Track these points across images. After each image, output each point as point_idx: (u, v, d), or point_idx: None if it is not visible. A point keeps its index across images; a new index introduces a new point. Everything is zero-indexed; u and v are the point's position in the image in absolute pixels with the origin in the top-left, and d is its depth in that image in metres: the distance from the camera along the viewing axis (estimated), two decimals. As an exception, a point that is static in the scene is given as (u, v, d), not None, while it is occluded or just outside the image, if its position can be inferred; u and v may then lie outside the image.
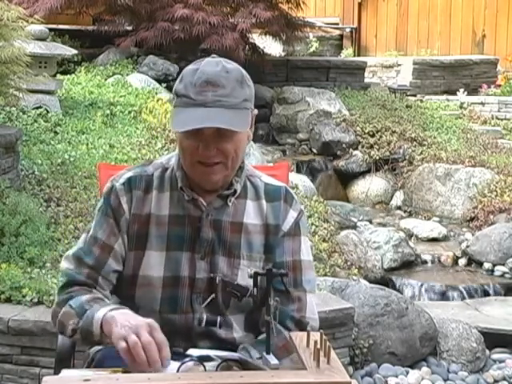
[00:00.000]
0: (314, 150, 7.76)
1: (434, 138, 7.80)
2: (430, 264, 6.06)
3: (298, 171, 7.16)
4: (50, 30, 6.93)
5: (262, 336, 1.86)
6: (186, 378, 1.59)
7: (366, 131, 7.62)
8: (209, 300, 1.96)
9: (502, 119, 8.89)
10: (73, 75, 7.47)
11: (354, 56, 11.48)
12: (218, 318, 1.96)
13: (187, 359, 1.71)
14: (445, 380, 4.28)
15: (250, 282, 1.83)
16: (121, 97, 6.93)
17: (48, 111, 6.28)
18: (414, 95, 9.45)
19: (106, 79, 7.40)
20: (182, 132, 1.91)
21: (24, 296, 3.86)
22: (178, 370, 1.66)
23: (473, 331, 4.49)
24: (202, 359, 1.72)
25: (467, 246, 6.09)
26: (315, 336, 1.68)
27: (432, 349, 4.46)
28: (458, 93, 9.40)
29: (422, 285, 5.55)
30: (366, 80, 9.60)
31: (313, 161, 7.55)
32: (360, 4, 11.91)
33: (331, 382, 1.58)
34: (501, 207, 6.48)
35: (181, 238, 1.99)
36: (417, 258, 6.06)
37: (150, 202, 2.01)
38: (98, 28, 8.03)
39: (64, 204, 5.07)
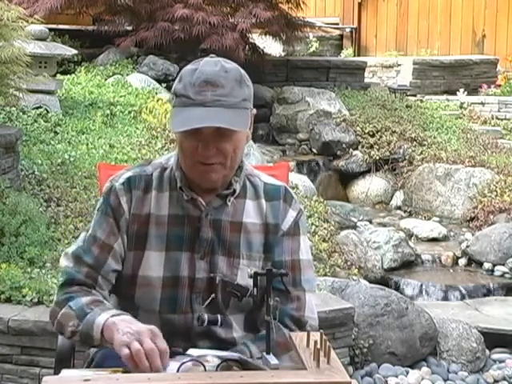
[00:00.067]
0: (314, 150, 7.76)
1: (434, 138, 7.80)
2: (430, 264, 6.06)
3: (298, 171, 7.16)
4: (50, 29, 6.92)
5: (262, 333, 1.85)
6: (185, 378, 1.59)
7: (366, 131, 7.62)
8: (209, 300, 1.96)
9: (502, 119, 8.89)
10: (73, 75, 7.47)
11: (354, 56, 11.48)
12: (219, 317, 1.96)
13: (187, 359, 1.71)
14: (445, 380, 4.28)
15: (250, 281, 1.83)
16: (121, 97, 6.93)
17: (48, 111, 6.28)
18: (414, 95, 9.45)
19: (106, 79, 7.40)
20: (182, 132, 1.91)
21: (24, 296, 3.86)
22: (178, 370, 1.66)
23: (473, 331, 4.50)
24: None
25: (467, 246, 6.09)
26: (315, 336, 1.68)
27: (432, 349, 4.46)
28: (457, 93, 9.40)
29: (421, 285, 5.55)
30: (366, 80, 9.60)
31: (313, 161, 7.55)
32: (360, 4, 11.91)
33: (331, 382, 1.57)
34: (501, 207, 6.48)
35: (180, 238, 1.99)
36: (417, 258, 6.06)
37: (149, 202, 2.01)
38: (98, 28, 8.03)
39: (64, 204, 5.07)
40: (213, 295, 1.96)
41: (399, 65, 10.39)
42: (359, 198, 7.46)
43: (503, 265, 5.86)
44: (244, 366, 1.69)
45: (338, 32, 12.04)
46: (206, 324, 1.94)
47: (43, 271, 4.18)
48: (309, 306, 2.04)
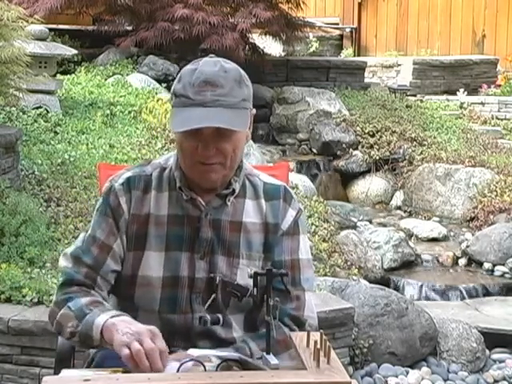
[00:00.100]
0: (314, 150, 7.76)
1: (434, 138, 7.81)
2: (430, 264, 6.06)
3: (298, 171, 7.16)
4: (50, 29, 6.93)
5: (262, 330, 1.86)
6: (185, 378, 1.59)
7: (366, 131, 7.62)
8: (210, 301, 1.96)
9: (502, 119, 8.89)
10: (73, 75, 7.48)
11: (354, 56, 11.48)
12: (220, 316, 1.96)
13: (187, 359, 1.71)
14: (445, 380, 4.28)
15: (250, 281, 1.82)
16: (121, 97, 6.93)
17: (48, 111, 6.28)
18: (414, 95, 9.45)
19: (106, 79, 7.40)
20: (181, 132, 1.91)
21: (24, 296, 3.86)
22: (178, 370, 1.66)
23: (473, 331, 4.50)
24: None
25: (467, 246, 6.09)
26: (315, 336, 1.68)
27: (432, 349, 4.47)
28: (457, 93, 9.41)
29: (421, 285, 5.55)
30: (366, 80, 9.60)
31: (313, 161, 7.55)
32: (360, 4, 11.91)
33: (331, 382, 1.57)
34: (501, 207, 6.48)
35: (180, 238, 1.99)
36: (417, 258, 6.06)
37: (148, 202, 2.01)
38: (98, 28, 8.03)
39: (64, 204, 5.07)
40: (214, 296, 1.96)
41: (399, 65, 10.39)
42: (359, 198, 7.46)
43: (503, 265, 5.87)
44: (244, 366, 1.69)
45: (338, 32, 12.04)
46: (209, 325, 1.94)
47: (43, 271, 4.18)
48: (308, 305, 2.04)
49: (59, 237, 4.66)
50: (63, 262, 2.02)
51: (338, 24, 12.07)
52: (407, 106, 8.61)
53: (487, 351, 4.54)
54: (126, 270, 2.00)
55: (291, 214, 2.06)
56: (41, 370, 3.70)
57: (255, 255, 2.01)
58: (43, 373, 3.60)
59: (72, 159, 5.66)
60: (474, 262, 6.04)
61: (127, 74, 7.55)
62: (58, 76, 6.99)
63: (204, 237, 1.98)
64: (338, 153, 7.58)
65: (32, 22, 5.30)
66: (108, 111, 6.59)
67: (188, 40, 7.50)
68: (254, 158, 6.37)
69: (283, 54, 9.89)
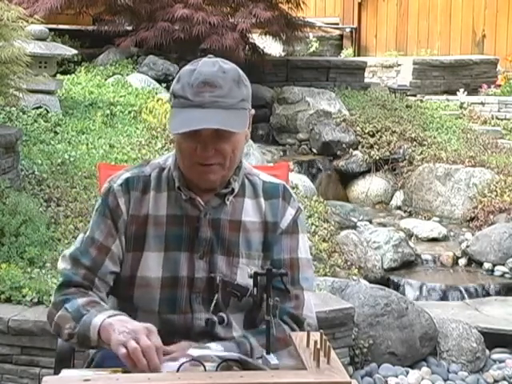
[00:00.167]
0: (314, 150, 7.76)
1: (434, 138, 7.81)
2: (430, 264, 6.06)
3: (298, 171, 7.16)
4: (50, 30, 6.93)
5: (262, 327, 1.85)
6: (185, 378, 1.59)
7: (366, 131, 7.62)
8: (214, 303, 1.96)
9: (502, 119, 8.89)
10: (73, 75, 7.48)
11: (354, 56, 11.48)
12: (225, 316, 1.96)
13: (187, 359, 1.71)
14: (445, 380, 4.28)
15: (250, 281, 1.82)
16: (121, 97, 6.93)
17: (48, 111, 6.28)
18: (414, 95, 9.45)
19: (106, 79, 7.40)
20: (180, 133, 1.91)
21: (24, 296, 3.86)
22: (177, 370, 1.67)
23: (473, 331, 4.50)
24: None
25: (467, 246, 6.09)
26: (315, 336, 1.68)
27: (432, 349, 4.46)
28: (458, 93, 9.41)
29: (421, 285, 5.55)
30: (366, 80, 9.60)
31: (313, 161, 7.55)
32: (360, 4, 11.91)
33: (331, 382, 1.58)
34: (501, 207, 6.48)
35: (179, 238, 1.99)
36: (417, 258, 6.06)
37: (147, 203, 2.00)
38: (98, 28, 8.03)
39: (64, 204, 5.07)
40: (216, 297, 1.96)
41: (399, 65, 10.39)
42: (359, 197, 7.46)
43: (503, 265, 5.87)
44: (244, 366, 1.69)
45: (338, 32, 12.04)
46: (217, 326, 1.95)
47: (43, 271, 4.18)
48: (307, 304, 2.04)
49: (59, 237, 4.66)
50: (62, 264, 2.02)
51: (338, 24, 12.07)
52: (407, 106, 8.61)
53: (487, 351, 4.54)
54: (124, 271, 2.00)
55: (290, 212, 2.06)
56: (41, 369, 3.70)
57: (255, 254, 2.01)
58: (43, 373, 3.60)
59: (72, 159, 5.66)
60: (473, 262, 6.04)
61: (127, 74, 7.55)
62: (58, 76, 6.99)
63: (203, 236, 1.98)
64: (338, 153, 7.58)
65: (32, 22, 5.30)
66: (108, 111, 6.59)
67: (188, 40, 7.50)
68: (253, 158, 6.37)
69: (283, 53, 9.89)
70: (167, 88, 7.16)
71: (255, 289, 1.81)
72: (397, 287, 5.49)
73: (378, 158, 7.47)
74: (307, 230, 5.05)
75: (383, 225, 6.64)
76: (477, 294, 5.48)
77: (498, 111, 8.98)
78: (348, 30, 12.00)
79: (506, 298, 5.39)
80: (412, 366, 4.36)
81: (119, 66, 7.70)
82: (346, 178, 7.60)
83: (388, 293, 4.52)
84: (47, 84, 6.13)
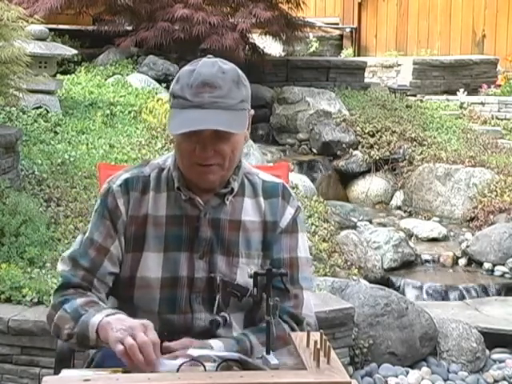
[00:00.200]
0: (314, 150, 7.76)
1: (434, 138, 7.80)
2: (430, 264, 6.06)
3: (298, 171, 7.16)
4: (50, 29, 6.93)
5: (263, 324, 1.85)
6: (185, 378, 1.59)
7: (366, 131, 7.62)
8: (216, 304, 1.96)
9: (502, 119, 8.89)
10: (73, 75, 7.48)
11: (354, 56, 11.48)
12: (227, 316, 1.97)
13: (187, 359, 1.71)
14: (445, 380, 4.28)
15: (250, 281, 1.82)
16: (121, 97, 6.93)
17: (48, 111, 6.28)
18: (414, 95, 9.45)
19: (106, 79, 7.40)
20: (180, 134, 1.91)
21: (24, 296, 3.86)
22: (177, 370, 1.66)
23: (473, 331, 4.50)
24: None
25: (467, 246, 6.09)
26: (315, 336, 1.68)
27: (432, 349, 4.46)
28: (457, 93, 9.40)
29: (421, 285, 5.55)
30: (366, 80, 9.60)
31: (313, 161, 7.55)
32: (360, 4, 11.91)
33: (331, 382, 1.57)
34: (501, 207, 6.48)
35: (179, 238, 1.98)
36: (417, 258, 6.06)
37: (147, 203, 2.00)
38: (98, 28, 8.03)
39: (64, 204, 5.07)
40: (218, 297, 1.96)
41: (399, 65, 10.39)
42: (359, 198, 7.46)
43: (503, 265, 5.87)
44: (244, 366, 1.69)
45: (338, 32, 12.03)
46: (221, 326, 1.95)
47: (43, 271, 4.18)
48: (306, 303, 2.04)
49: (59, 237, 4.66)
50: (61, 266, 2.03)
51: (338, 24, 12.07)
52: (407, 106, 8.61)
53: (487, 351, 4.54)
54: (124, 271, 2.00)
55: (290, 211, 2.06)
56: (41, 369, 3.70)
57: (254, 254, 2.01)
58: (43, 373, 3.60)
59: (72, 159, 5.66)
60: (474, 262, 6.04)
61: (127, 74, 7.55)
62: (58, 76, 6.99)
63: (203, 236, 1.98)
64: (338, 153, 7.58)
65: (32, 22, 5.30)
66: (108, 111, 6.59)
67: (188, 40, 7.50)
68: (253, 158, 6.37)
69: (283, 53, 9.89)
70: (167, 88, 7.15)
71: (255, 289, 1.81)
72: (397, 287, 5.49)
73: (378, 157, 7.47)
74: (307, 230, 5.05)
75: (383, 225, 6.64)
76: (477, 294, 5.48)
77: (498, 111, 8.98)
78: (348, 30, 12.00)
79: (506, 298, 5.40)
80: (412, 366, 4.36)
81: (119, 66, 7.70)
82: (346, 178, 7.60)
83: (388, 293, 4.52)
84: (47, 84, 6.13)
